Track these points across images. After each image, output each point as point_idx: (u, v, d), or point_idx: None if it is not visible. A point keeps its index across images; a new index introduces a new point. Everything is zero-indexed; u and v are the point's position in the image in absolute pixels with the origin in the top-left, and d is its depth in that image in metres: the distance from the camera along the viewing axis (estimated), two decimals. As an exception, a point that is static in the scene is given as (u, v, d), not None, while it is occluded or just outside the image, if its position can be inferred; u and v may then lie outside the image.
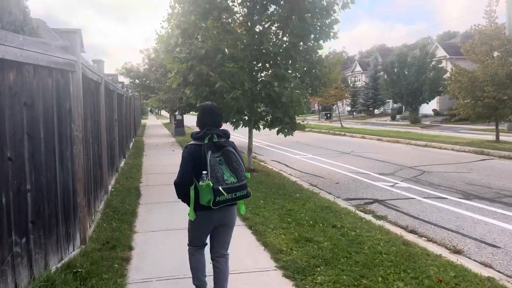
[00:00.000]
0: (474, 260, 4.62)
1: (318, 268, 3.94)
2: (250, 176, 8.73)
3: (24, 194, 3.30)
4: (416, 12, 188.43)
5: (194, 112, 21.71)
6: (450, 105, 35.46)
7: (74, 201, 4.25)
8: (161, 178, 8.99)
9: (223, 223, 3.08)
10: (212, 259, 3.21)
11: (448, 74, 34.05)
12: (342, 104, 53.03)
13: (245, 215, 5.82)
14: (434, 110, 39.92)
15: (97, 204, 5.91)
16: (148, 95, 35.12)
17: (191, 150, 2.97)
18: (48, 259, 3.66)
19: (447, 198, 7.55)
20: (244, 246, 4.70)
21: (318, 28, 8.79)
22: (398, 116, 41.42)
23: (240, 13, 9.34)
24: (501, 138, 15.97)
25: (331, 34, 8.98)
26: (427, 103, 34.53)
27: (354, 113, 51.26)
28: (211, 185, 2.76)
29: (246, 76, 9.21)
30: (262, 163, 11.78)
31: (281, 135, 9.64)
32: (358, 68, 61.04)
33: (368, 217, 6.11)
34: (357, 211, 6.35)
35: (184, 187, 2.98)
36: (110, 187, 7.51)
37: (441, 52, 39.79)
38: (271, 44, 8.50)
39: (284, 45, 8.77)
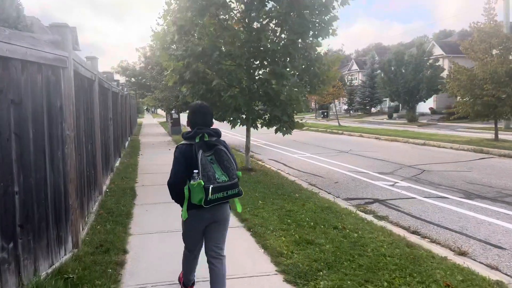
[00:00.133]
0: (480, 263, 4.49)
1: (321, 273, 3.78)
2: (249, 176, 8.54)
3: (12, 197, 3.12)
4: (412, 10, 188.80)
5: (190, 111, 21.42)
6: (447, 104, 35.47)
7: (66, 203, 4.07)
8: (157, 178, 8.81)
9: (214, 220, 3.06)
10: (208, 261, 3.12)
11: (446, 73, 34.15)
12: (339, 102, 52.96)
13: (244, 216, 5.67)
14: (431, 109, 39.89)
15: (91, 205, 5.73)
16: (144, 94, 34.81)
17: (183, 150, 2.97)
18: (38, 265, 3.48)
19: (448, 198, 7.43)
20: (243, 249, 4.55)
21: (317, 25, 8.63)
22: (395, 115, 41.37)
23: (238, 9, 9.17)
24: (499, 136, 15.89)
25: (330, 31, 8.83)
26: (424, 102, 34.47)
27: (351, 111, 51.18)
28: (202, 183, 2.76)
29: (244, 74, 9.04)
30: (260, 162, 11.62)
31: (278, 134, 9.49)
32: (355, 67, 60.98)
33: (370, 217, 5.97)
34: (358, 212, 6.20)
35: (177, 187, 2.97)
36: (104, 187, 7.33)
37: (438, 51, 39.75)
38: (269, 41, 8.33)
39: (283, 42, 8.61)
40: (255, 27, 8.76)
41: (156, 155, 12.96)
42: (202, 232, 3.13)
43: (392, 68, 33.43)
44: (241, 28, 8.84)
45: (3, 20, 17.14)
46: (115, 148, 10.23)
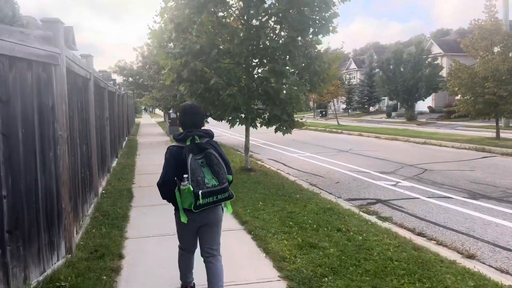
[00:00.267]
0: (489, 266, 4.33)
1: (326, 278, 3.61)
2: (248, 176, 8.36)
3: (-1, 201, 2.94)
4: (409, 10, 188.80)
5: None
6: (446, 102, 35.40)
7: (59, 207, 3.89)
8: (154, 179, 8.51)
9: (206, 223, 3.06)
10: (204, 261, 3.13)
11: (444, 71, 34.05)
12: (337, 101, 52.79)
13: (244, 219, 5.50)
14: (429, 107, 39.80)
15: (86, 208, 5.54)
16: (142, 93, 34.63)
17: (173, 152, 2.97)
18: (28, 272, 3.30)
19: (452, 198, 7.27)
20: (244, 253, 4.37)
21: (317, 22, 8.46)
22: (393, 114, 41.27)
23: (236, 6, 8.99)
24: (500, 135, 15.75)
25: (330, 28, 8.65)
26: (423, 100, 34.34)
27: (349, 110, 51.04)
28: (192, 189, 2.76)
29: (243, 72, 8.86)
30: (259, 162, 11.45)
31: (277, 133, 9.32)
32: (353, 66, 60.83)
33: (373, 219, 5.80)
34: (361, 213, 6.04)
35: (166, 188, 2.99)
36: (100, 189, 7.14)
37: (436, 49, 39.63)
38: (268, 38, 8.15)
39: (282, 40, 8.43)
40: (254, 24, 8.58)
41: (154, 155, 12.74)
42: (195, 233, 3.13)
43: (391, 67, 33.28)
44: (240, 26, 8.66)
45: (-2, 19, 16.95)
46: (111, 148, 10.04)
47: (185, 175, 2.79)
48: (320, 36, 8.84)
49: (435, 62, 32.23)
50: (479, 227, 5.62)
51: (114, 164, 10.40)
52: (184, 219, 2.94)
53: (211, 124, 19.98)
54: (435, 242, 5.09)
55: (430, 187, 8.15)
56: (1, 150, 2.96)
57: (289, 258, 4.07)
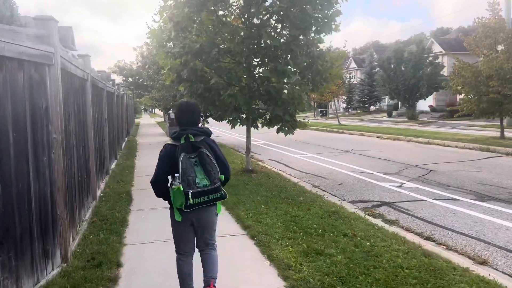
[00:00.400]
0: (502, 272, 4.15)
1: (334, 289, 3.44)
2: (250, 178, 8.18)
3: (-12, 210, 2.77)
4: (409, 9, 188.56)
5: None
6: (447, 101, 35.21)
7: (53, 214, 3.71)
8: (154, 181, 8.43)
9: (200, 222, 3.04)
10: (200, 251, 3.20)
11: (445, 70, 33.87)
12: (337, 101, 52.64)
13: (246, 223, 5.33)
14: (430, 106, 39.64)
15: (83, 212, 5.37)
16: (141, 93, 34.45)
17: (168, 150, 2.97)
18: (21, 284, 3.13)
19: (459, 200, 7.09)
20: (247, 261, 4.19)
21: (319, 20, 8.27)
22: (394, 113, 41.11)
23: (237, 5, 8.80)
24: (505, 134, 15.55)
25: (333, 26, 8.47)
26: (424, 99, 34.15)
27: (349, 110, 50.85)
28: (182, 188, 2.77)
29: (243, 72, 8.68)
30: (260, 163, 11.27)
31: (278, 133, 9.13)
32: (353, 65, 60.63)
33: (380, 222, 5.62)
34: (367, 216, 5.86)
35: (159, 186, 3.00)
36: (99, 192, 6.96)
37: (436, 48, 39.45)
38: (270, 37, 7.96)
39: (284, 39, 8.24)
40: (255, 23, 8.39)
41: (153, 156, 12.49)
42: (190, 233, 3.09)
43: (392, 66, 33.07)
44: (241, 24, 8.47)
45: (-4, 19, 16.75)
46: (110, 150, 9.86)
47: (176, 174, 2.81)
48: (322, 35, 8.68)
49: (436, 61, 32.02)
50: (489, 231, 5.44)
51: (113, 165, 10.22)
52: (178, 217, 2.96)
53: (211, 124, 19.81)
54: (444, 247, 4.92)
55: (436, 189, 7.97)
56: (-10, 156, 2.79)
57: (295, 266, 3.89)
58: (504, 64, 13.21)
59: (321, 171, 10.29)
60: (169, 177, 2.95)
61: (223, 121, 10.01)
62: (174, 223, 3.08)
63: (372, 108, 49.80)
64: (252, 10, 8.37)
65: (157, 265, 4.08)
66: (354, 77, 57.19)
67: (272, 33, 8.42)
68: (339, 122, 29.64)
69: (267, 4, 8.36)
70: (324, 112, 47.24)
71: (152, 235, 4.99)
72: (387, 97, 45.32)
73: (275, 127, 9.21)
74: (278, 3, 8.12)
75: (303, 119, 9.31)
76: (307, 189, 7.70)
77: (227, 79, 8.44)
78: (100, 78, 7.90)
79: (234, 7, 8.80)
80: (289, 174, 9.74)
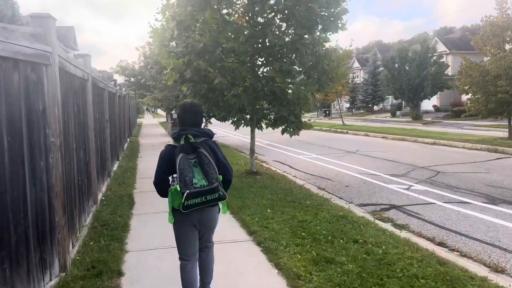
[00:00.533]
0: (522, 282, 3.95)
1: (347, 301, 3.25)
2: (254, 180, 8.00)
3: (-20, 220, 2.59)
4: (411, 8, 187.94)
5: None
6: (451, 101, 34.90)
7: (51, 221, 3.54)
8: (157, 183, 8.26)
9: (202, 223, 3.03)
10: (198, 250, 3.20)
11: (449, 69, 33.58)
12: (340, 100, 52.38)
13: (252, 228, 5.14)
14: (434, 106, 39.37)
15: (84, 217, 5.19)
16: (144, 94, 34.27)
17: (168, 151, 2.97)
18: (16, 296, 2.95)
19: (470, 203, 6.89)
20: (254, 269, 4.01)
21: (325, 18, 8.08)
22: (398, 113, 40.85)
23: (240, 3, 8.62)
24: (511, 134, 15.32)
25: (339, 25, 8.28)
26: (429, 99, 33.89)
27: (353, 110, 50.58)
28: (179, 189, 2.77)
29: (248, 72, 8.49)
30: (264, 164, 11.09)
31: (279, 134, 8.95)
32: (356, 64, 60.31)
33: (390, 227, 5.43)
34: (377, 221, 5.67)
35: (160, 186, 3.01)
36: (100, 195, 6.80)
37: (440, 47, 39.17)
38: (275, 36, 7.77)
39: (290, 37, 8.04)
40: (260, 21, 8.20)
41: (156, 157, 12.21)
42: (193, 234, 3.06)
43: (396, 65, 32.82)
44: (245, 23, 8.28)
45: (-3, 19, 16.64)
46: (112, 151, 9.70)
47: (174, 175, 2.83)
48: (328, 34, 8.48)
49: (441, 60, 31.74)
50: (504, 236, 5.24)
51: (115, 167, 10.06)
52: (170, 219, 2.97)
53: (214, 125, 19.63)
54: (458, 253, 4.73)
55: (445, 191, 7.77)
56: (-18, 162, 2.62)
57: (305, 276, 3.70)
58: (512, 63, 12.98)
59: (326, 173, 10.10)
60: (170, 178, 2.95)
61: (226, 122, 9.84)
62: (176, 225, 3.04)
63: (375, 108, 49.52)
64: (257, 8, 8.19)
65: (160, 274, 3.90)
66: (357, 77, 56.89)
67: (277, 32, 8.23)
68: (343, 122, 29.41)
69: (271, 2, 8.17)
70: (327, 112, 46.97)
71: (154, 241, 4.82)
72: (390, 97, 45.04)
73: (280, 128, 9.05)
74: (283, 1, 7.93)
75: (308, 120, 9.11)
76: (313, 192, 7.51)
77: (231, 79, 8.26)
78: (101, 78, 7.73)
79: (238, 6, 8.62)
80: (293, 176, 9.55)
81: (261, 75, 8.69)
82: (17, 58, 3.01)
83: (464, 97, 28.30)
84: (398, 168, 10.43)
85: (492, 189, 7.86)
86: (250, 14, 8.30)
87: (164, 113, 36.63)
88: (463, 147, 14.11)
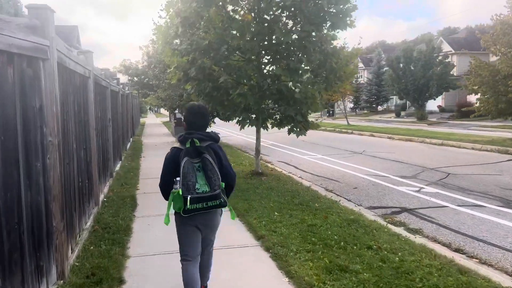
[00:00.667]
0: (548, 292, 3.71)
1: (365, 314, 3.02)
2: (260, 182, 7.76)
3: (-31, 226, 2.38)
4: (415, 8, 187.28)
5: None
6: (457, 101, 34.54)
7: (48, 225, 3.32)
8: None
9: (205, 224, 3.04)
10: None
11: (455, 69, 33.23)
12: (345, 100, 52.06)
13: (260, 232, 4.91)
14: (439, 107, 39.01)
15: (84, 220, 4.98)
16: (147, 93, 34.16)
17: (173, 154, 2.95)
18: (9, 308, 2.73)
19: (485, 206, 6.64)
20: (263, 277, 3.78)
21: (333, 15, 7.83)
22: (402, 113, 40.50)
23: (246, 0, 8.38)
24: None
25: (348, 22, 8.03)
26: (434, 99, 33.52)
27: (356, 110, 50.24)
28: (181, 193, 2.76)
29: (253, 70, 8.26)
30: (269, 165, 10.86)
31: (284, 133, 8.71)
32: (360, 64, 59.88)
33: (403, 232, 5.20)
34: (389, 225, 5.43)
35: (166, 189, 2.99)
36: (102, 196, 6.59)
37: (446, 47, 38.83)
38: (283, 32, 7.53)
39: (297, 35, 7.79)
40: (267, 18, 7.96)
41: (159, 157, 12.11)
42: (196, 235, 3.05)
43: (401, 65, 32.49)
44: (251, 20, 8.04)
45: (-1, 17, 16.53)
46: (115, 151, 9.50)
47: (177, 178, 2.81)
48: (336, 31, 8.24)
49: (447, 60, 31.40)
50: (524, 243, 5.00)
51: (117, 167, 9.85)
52: (167, 221, 2.98)
53: (217, 125, 19.43)
54: (477, 260, 4.50)
55: (457, 194, 7.52)
56: (-29, 163, 2.40)
57: (318, 285, 3.47)
58: (523, 63, 12.69)
59: (333, 174, 9.87)
60: (175, 180, 2.91)
61: (230, 122, 9.61)
62: (179, 227, 3.05)
63: (379, 108, 49.16)
64: (262, 5, 7.95)
65: (164, 281, 3.68)
66: (361, 77, 56.54)
67: (284, 29, 7.99)
68: (348, 122, 29.13)
69: (278, -1, 7.92)
70: (331, 112, 46.64)
71: (158, 246, 4.60)
72: (394, 97, 44.72)
73: (286, 128, 8.82)
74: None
75: (316, 120, 8.88)
76: (321, 194, 7.27)
77: (236, 77, 8.03)
78: (103, 76, 7.53)
79: (244, 2, 8.38)
80: (299, 177, 9.32)
81: (267, 73, 8.46)
82: (11, 51, 2.79)
83: (470, 98, 27.99)
84: (406, 170, 10.18)
85: (507, 192, 7.60)
86: (256, 10, 8.06)
87: (167, 113, 36.46)
88: (472, 148, 13.83)
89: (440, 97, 36.34)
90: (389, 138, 18.46)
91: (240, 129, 8.75)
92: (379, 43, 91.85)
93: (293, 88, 8.16)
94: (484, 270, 3.97)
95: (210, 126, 16.39)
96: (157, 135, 22.69)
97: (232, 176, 3.01)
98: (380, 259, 4.05)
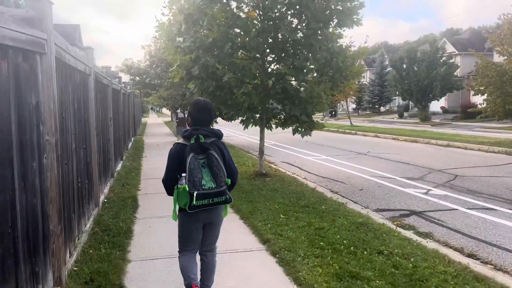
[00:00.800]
0: None
1: (380, 326, 2.84)
2: (263, 183, 7.57)
3: (-43, 231, 2.21)
4: (417, 9, 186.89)
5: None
6: (460, 102, 34.30)
7: (44, 229, 3.15)
8: (161, 184, 7.87)
9: (210, 221, 3.04)
10: (199, 253, 3.17)
11: (458, 71, 32.98)
12: (347, 101, 51.83)
13: (265, 236, 4.74)
14: (442, 108, 38.77)
15: (83, 222, 4.81)
16: (149, 92, 33.98)
17: (177, 149, 2.94)
18: (2, 318, 2.56)
19: (496, 210, 6.45)
20: (269, 284, 3.60)
21: (340, 12, 7.65)
22: (405, 114, 40.26)
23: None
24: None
25: (355, 19, 7.85)
26: (438, 100, 33.27)
27: (359, 110, 50.01)
28: (187, 189, 2.75)
29: (258, 68, 8.09)
30: (273, 166, 10.67)
31: (287, 134, 8.54)
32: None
33: (414, 236, 5.02)
34: (399, 229, 5.25)
35: (169, 185, 2.98)
36: (102, 197, 6.42)
37: (449, 48, 38.56)
38: (288, 29, 7.35)
39: (304, 32, 7.60)
40: (272, 16, 7.77)
41: (161, 157, 12.01)
42: (198, 232, 3.05)
43: (404, 66, 32.25)
44: (256, 17, 7.86)
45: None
46: (116, 151, 9.34)
47: (183, 174, 2.78)
48: (343, 30, 8.07)
49: (450, 61, 31.15)
50: (540, 248, 4.81)
51: (118, 167, 9.69)
52: (175, 217, 2.98)
53: (219, 124, 19.25)
54: (492, 266, 4.31)
55: (466, 196, 7.33)
56: (-40, 163, 2.23)
57: (328, 294, 3.29)
58: (531, 63, 12.48)
59: (338, 175, 9.68)
60: (179, 176, 2.88)
61: (232, 121, 9.43)
62: (182, 223, 3.04)
63: (382, 109, 48.92)
64: (267, 2, 7.76)
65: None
66: (364, 77, 56.29)
67: (291, 26, 7.81)
68: (351, 123, 28.92)
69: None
70: (333, 112, 46.42)
71: (160, 249, 4.42)
72: (397, 98, 44.45)
73: (289, 128, 8.65)
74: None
75: (322, 120, 8.69)
76: (327, 196, 7.09)
77: (241, 76, 7.85)
78: (104, 74, 7.36)
79: (248, 0, 8.20)
80: (304, 178, 9.14)
81: (271, 72, 8.28)
82: (5, 43, 2.61)
83: (474, 99, 27.73)
84: (413, 171, 9.99)
85: (517, 194, 7.42)
86: (261, 7, 7.87)
87: (169, 112, 36.31)
88: (479, 150, 13.61)
89: (443, 98, 36.08)
90: (394, 139, 18.25)
91: (244, 128, 8.58)
92: (381, 44, 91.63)
93: (298, 87, 7.98)
94: (501, 278, 3.78)
95: (213, 125, 16.14)
96: (159, 134, 22.54)
97: (235, 173, 3.02)
98: (392, 265, 3.87)
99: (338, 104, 44.98)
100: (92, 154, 5.58)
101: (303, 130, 8.28)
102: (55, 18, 3.56)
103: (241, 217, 5.66)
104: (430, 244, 4.69)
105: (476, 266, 4.02)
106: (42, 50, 3.09)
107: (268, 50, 7.98)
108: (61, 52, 3.70)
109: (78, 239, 4.40)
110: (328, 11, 7.46)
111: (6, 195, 2.63)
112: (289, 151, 14.28)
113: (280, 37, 7.56)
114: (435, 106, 38.03)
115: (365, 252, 4.19)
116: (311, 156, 13.07)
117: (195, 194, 2.73)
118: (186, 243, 3.09)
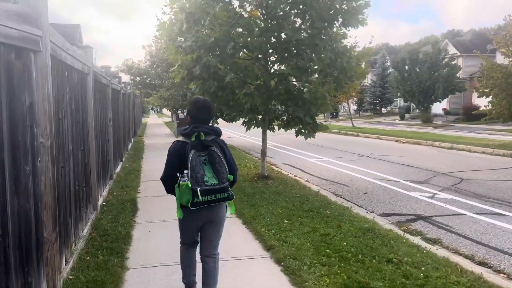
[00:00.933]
0: None
1: None
2: (266, 186, 7.39)
3: None
4: (418, 11, 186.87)
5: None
6: (462, 104, 34.14)
7: (38, 236, 2.98)
8: (161, 187, 7.67)
9: (211, 220, 3.02)
10: (201, 259, 3.10)
11: (461, 72, 32.80)
12: (349, 102, 51.67)
13: (269, 242, 4.57)
14: (444, 109, 38.58)
15: (80, 227, 4.64)
16: (149, 93, 33.84)
17: (177, 147, 2.94)
18: (-10, 333, 2.40)
19: (505, 215, 6.28)
20: (275, 294, 3.43)
21: (345, 12, 7.49)
22: (407, 115, 40.09)
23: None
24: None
25: (360, 19, 7.69)
26: (440, 102, 33.06)
27: (360, 112, 49.84)
28: (190, 185, 2.73)
29: (261, 69, 7.92)
30: (274, 168, 10.51)
31: (289, 135, 8.39)
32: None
33: (422, 243, 4.85)
34: (407, 235, 5.08)
35: (168, 183, 2.97)
36: (101, 200, 6.25)
37: (451, 50, 38.39)
38: (292, 29, 7.19)
39: (308, 32, 7.44)
40: (275, 15, 7.61)
41: (161, 158, 11.76)
42: (197, 230, 3.08)
43: (406, 67, 32.08)
44: (260, 16, 7.70)
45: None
46: (115, 152, 9.17)
47: (185, 171, 2.77)
48: (347, 29, 7.91)
49: (453, 63, 30.97)
50: (554, 256, 4.64)
51: (118, 169, 9.52)
52: (179, 214, 2.94)
53: (220, 125, 19.05)
54: (504, 275, 4.15)
55: (473, 201, 7.16)
56: None
57: (337, 306, 3.12)
58: (537, 65, 12.32)
59: (341, 178, 9.51)
60: (178, 174, 2.86)
61: (233, 123, 9.26)
62: (184, 221, 3.04)
63: (383, 110, 48.75)
64: (270, 1, 7.60)
65: (166, 298, 3.34)
66: (365, 79, 56.15)
67: (295, 25, 7.65)
68: (353, 124, 28.74)
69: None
70: (334, 114, 46.26)
71: (160, 256, 4.25)
72: (398, 100, 44.28)
73: (291, 130, 8.48)
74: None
75: (325, 121, 8.52)
76: (331, 200, 6.92)
77: (243, 76, 7.69)
78: (104, 73, 7.20)
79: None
80: (307, 181, 8.97)
81: (275, 72, 8.12)
82: (-4, 40, 2.46)
83: (476, 100, 27.56)
84: (417, 174, 9.82)
85: (526, 199, 7.25)
86: (264, 5, 7.71)
87: (169, 113, 36.15)
88: (484, 152, 13.43)
89: (445, 100, 35.90)
90: (396, 141, 18.06)
91: (246, 130, 8.41)
92: (383, 46, 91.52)
93: (302, 88, 7.82)
94: (517, 289, 3.61)
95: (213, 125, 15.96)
96: (159, 135, 22.37)
97: (234, 169, 3.03)
98: (402, 275, 3.70)
99: (339, 105, 44.86)
100: (90, 156, 5.41)
101: (306, 131, 8.12)
102: (56, 17, 3.43)
103: (244, 222, 5.49)
104: (440, 252, 4.52)
105: (490, 276, 3.84)
106: (37, 48, 2.93)
107: (271, 50, 7.82)
108: (58, 50, 3.53)
109: (75, 245, 4.23)
110: (332, 11, 7.31)
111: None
112: (290, 153, 14.10)
113: (283, 36, 7.39)
114: (437, 108, 37.84)
115: (374, 261, 4.02)
116: (313, 158, 12.90)
117: (198, 190, 2.72)
118: (186, 238, 3.16)
